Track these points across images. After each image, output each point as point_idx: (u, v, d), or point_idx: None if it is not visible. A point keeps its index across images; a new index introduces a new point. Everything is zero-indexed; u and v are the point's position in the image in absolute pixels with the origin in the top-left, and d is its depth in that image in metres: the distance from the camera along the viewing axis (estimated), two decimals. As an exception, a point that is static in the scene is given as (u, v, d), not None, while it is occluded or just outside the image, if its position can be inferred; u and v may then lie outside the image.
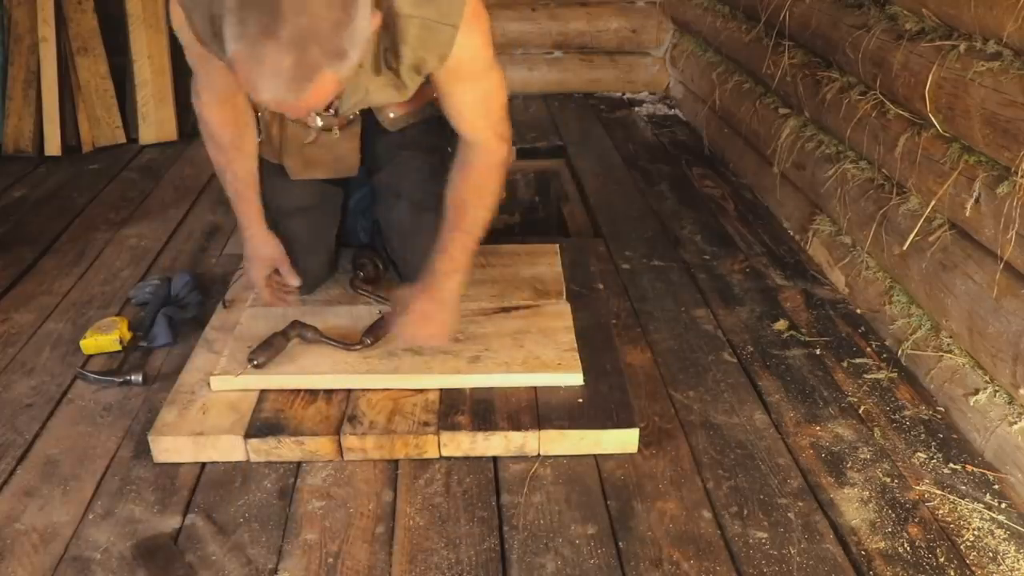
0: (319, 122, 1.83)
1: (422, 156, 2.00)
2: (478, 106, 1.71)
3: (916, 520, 1.52)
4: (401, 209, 2.02)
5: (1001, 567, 1.42)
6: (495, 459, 1.67)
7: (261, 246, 1.94)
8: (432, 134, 1.99)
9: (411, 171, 2.01)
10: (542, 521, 1.52)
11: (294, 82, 1.26)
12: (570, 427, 1.67)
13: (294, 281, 1.96)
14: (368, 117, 1.95)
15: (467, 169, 1.76)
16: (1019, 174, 1.53)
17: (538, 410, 1.72)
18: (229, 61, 1.27)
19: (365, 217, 2.20)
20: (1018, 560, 1.43)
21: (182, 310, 2.13)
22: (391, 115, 1.95)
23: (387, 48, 1.55)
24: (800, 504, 1.56)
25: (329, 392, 1.77)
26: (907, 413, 1.80)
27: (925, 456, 1.67)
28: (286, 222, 1.98)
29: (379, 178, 2.05)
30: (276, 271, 1.96)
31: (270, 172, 1.95)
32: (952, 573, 1.41)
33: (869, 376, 1.92)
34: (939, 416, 1.79)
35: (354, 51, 1.30)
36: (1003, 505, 1.55)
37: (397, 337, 1.82)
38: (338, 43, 1.27)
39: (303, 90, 1.27)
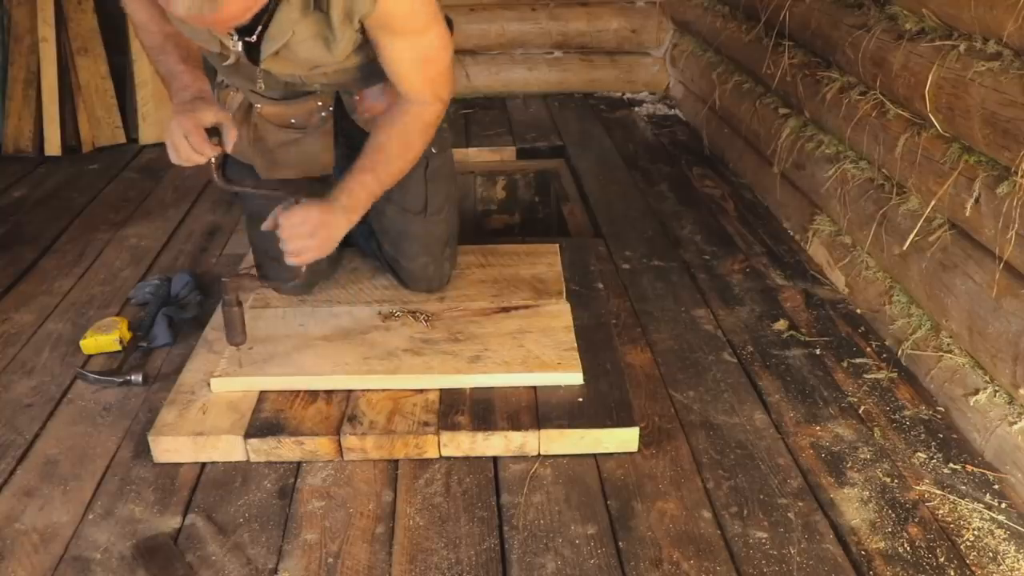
0: (239, 47, 1.61)
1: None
2: (415, 63, 1.67)
3: (916, 520, 1.52)
4: (390, 213, 2.01)
5: (1001, 567, 1.42)
6: (495, 459, 1.67)
7: (191, 86, 1.69)
8: None
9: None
10: (542, 521, 1.52)
11: None
12: (570, 426, 1.67)
13: (229, 143, 1.69)
14: (347, 119, 1.93)
15: (396, 117, 1.72)
16: (1019, 174, 1.53)
17: (538, 410, 1.72)
18: None
19: (362, 222, 2.19)
20: (1018, 560, 1.43)
21: (182, 310, 2.13)
22: (365, 116, 1.92)
23: None
24: (800, 504, 1.56)
25: (329, 392, 1.77)
26: (907, 413, 1.80)
27: (925, 456, 1.67)
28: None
29: None
30: (216, 136, 1.69)
31: (250, 175, 1.94)
32: (952, 573, 1.41)
33: (869, 376, 1.92)
34: (939, 416, 1.79)
35: None
36: (1003, 505, 1.55)
37: (284, 217, 1.66)
38: None
39: (217, 1, 1.24)
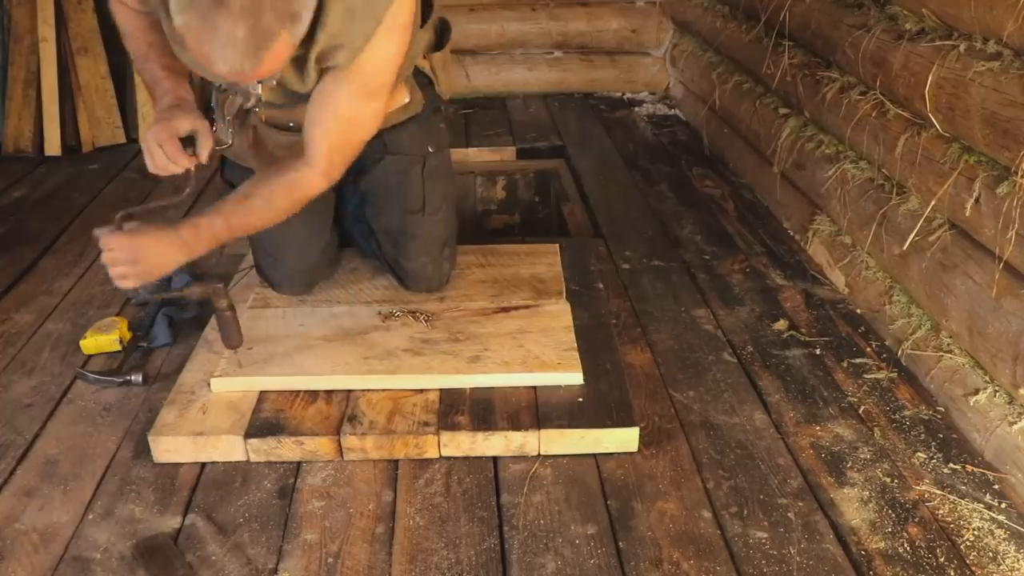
0: (259, 89, 1.61)
1: (406, 160, 1.99)
2: (338, 120, 1.64)
3: (916, 520, 1.52)
4: (389, 214, 2.02)
5: (1001, 567, 1.42)
6: (495, 459, 1.67)
7: (170, 92, 1.67)
8: (415, 138, 1.98)
9: (396, 175, 2.00)
10: (542, 521, 1.52)
11: (250, 51, 1.22)
12: (570, 426, 1.67)
13: (204, 153, 1.65)
14: None
15: (276, 175, 1.68)
16: (1019, 174, 1.53)
17: (538, 410, 1.72)
18: (176, 35, 1.23)
19: (361, 223, 2.20)
20: (1018, 560, 1.43)
21: (182, 310, 2.13)
22: None
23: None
24: (800, 504, 1.56)
25: (329, 392, 1.77)
26: (907, 413, 1.80)
27: (925, 456, 1.67)
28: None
29: (366, 183, 2.04)
30: (189, 144, 1.65)
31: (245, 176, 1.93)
32: (952, 573, 1.41)
33: (869, 376, 1.92)
34: (939, 416, 1.79)
35: (306, 12, 1.28)
36: (1003, 505, 1.55)
37: (106, 239, 1.57)
38: (290, 5, 1.24)
39: (260, 59, 1.25)
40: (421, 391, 1.77)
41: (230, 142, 1.79)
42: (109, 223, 1.60)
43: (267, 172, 1.70)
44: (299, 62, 1.58)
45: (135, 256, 1.57)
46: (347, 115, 1.64)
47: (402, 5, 1.54)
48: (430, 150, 1.98)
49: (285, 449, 1.66)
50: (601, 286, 2.22)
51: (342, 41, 1.52)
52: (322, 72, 1.60)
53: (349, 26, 1.50)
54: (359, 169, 2.03)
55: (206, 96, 2.99)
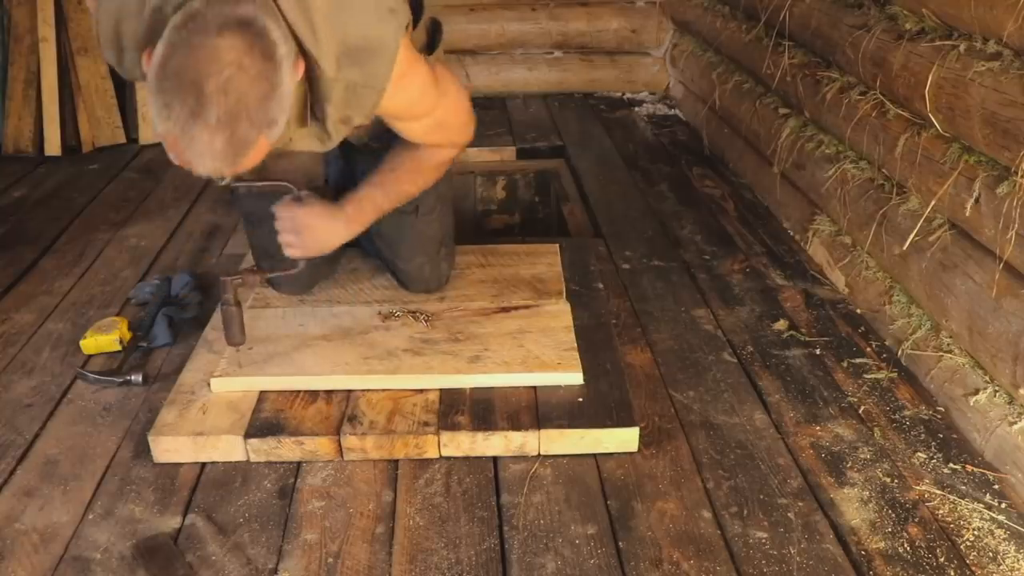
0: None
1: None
2: (427, 133, 1.72)
3: (916, 520, 1.52)
4: (385, 216, 2.01)
5: (1001, 567, 1.42)
6: (495, 459, 1.67)
7: None
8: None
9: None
10: (542, 521, 1.52)
11: (228, 158, 1.26)
12: (570, 426, 1.67)
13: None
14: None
15: (413, 151, 1.76)
16: (1019, 174, 1.53)
17: (538, 410, 1.72)
18: (160, 136, 1.26)
19: None
20: (1018, 560, 1.43)
21: (182, 310, 2.13)
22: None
23: (314, 102, 1.52)
24: (800, 504, 1.56)
25: (329, 392, 1.77)
26: (907, 413, 1.80)
27: (925, 456, 1.67)
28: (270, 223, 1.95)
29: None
30: None
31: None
32: (952, 573, 1.41)
33: (869, 376, 1.92)
34: (939, 416, 1.79)
35: (283, 115, 1.30)
36: (1003, 505, 1.55)
37: (283, 209, 1.76)
38: (266, 114, 1.27)
39: (238, 164, 1.29)
40: (421, 391, 1.77)
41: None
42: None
43: (403, 146, 1.77)
44: (316, 132, 1.58)
45: (299, 227, 1.75)
46: (431, 127, 1.70)
47: (400, 62, 1.52)
48: None
49: (285, 449, 1.66)
50: (601, 286, 2.22)
51: (353, 111, 1.54)
52: (351, 127, 1.61)
53: (353, 99, 1.51)
54: (354, 170, 2.03)
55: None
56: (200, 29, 1.22)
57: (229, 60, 1.22)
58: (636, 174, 3.10)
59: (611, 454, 1.67)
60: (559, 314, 2.00)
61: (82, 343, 2.00)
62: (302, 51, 1.40)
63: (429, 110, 1.66)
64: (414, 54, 1.58)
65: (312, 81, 1.47)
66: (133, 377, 1.89)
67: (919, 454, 1.68)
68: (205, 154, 1.25)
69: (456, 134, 1.78)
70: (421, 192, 1.86)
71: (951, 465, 1.65)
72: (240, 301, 1.76)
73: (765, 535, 1.49)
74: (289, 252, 1.78)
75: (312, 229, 1.76)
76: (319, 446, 1.66)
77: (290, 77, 1.30)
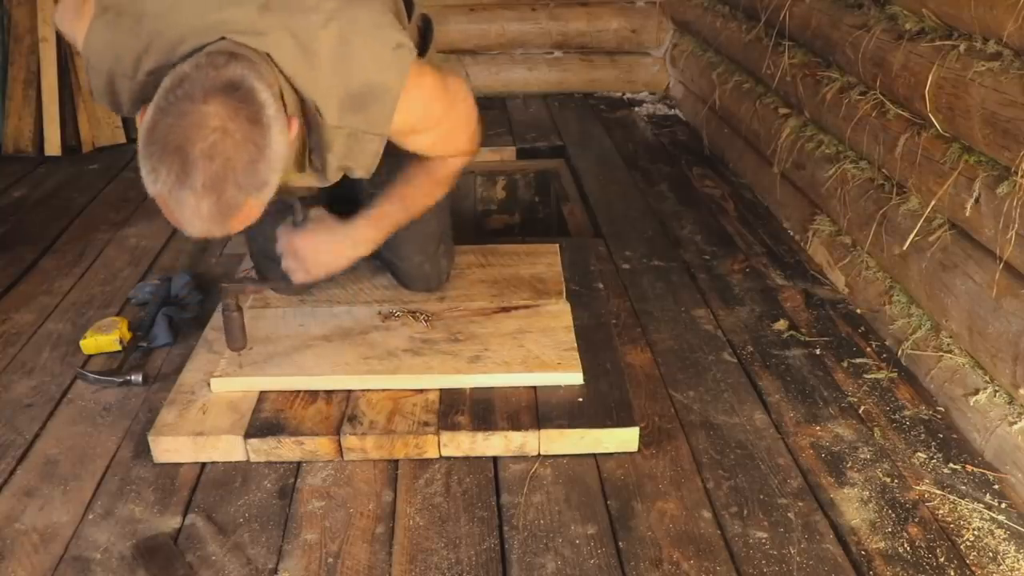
0: None
1: (399, 164, 1.99)
2: (436, 145, 1.71)
3: (916, 520, 1.52)
4: None
5: (1001, 567, 1.42)
6: (495, 459, 1.67)
7: None
8: None
9: (385, 175, 1.99)
10: (542, 521, 1.52)
11: (216, 221, 1.27)
12: (570, 426, 1.67)
13: None
14: None
15: (425, 164, 1.76)
16: (1019, 174, 1.53)
17: (538, 410, 1.72)
18: (151, 197, 1.27)
19: None
20: (1018, 560, 1.43)
21: (182, 310, 2.13)
22: None
23: (312, 150, 1.52)
24: (800, 504, 1.56)
25: (329, 392, 1.77)
26: (907, 413, 1.80)
27: (925, 456, 1.67)
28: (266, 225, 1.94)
29: (358, 183, 2.02)
30: None
31: None
32: (952, 573, 1.41)
33: (869, 376, 1.92)
34: (939, 416, 1.79)
35: (274, 176, 1.30)
36: (1003, 505, 1.55)
37: (283, 236, 1.75)
38: (255, 178, 1.26)
39: (227, 225, 1.29)
40: (421, 391, 1.77)
41: None
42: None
43: (415, 161, 1.76)
44: (315, 175, 1.58)
45: (302, 255, 1.74)
46: (439, 138, 1.69)
47: (402, 100, 1.50)
48: None
49: (285, 449, 1.66)
50: (601, 286, 2.22)
51: (354, 161, 1.54)
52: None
53: (356, 146, 1.51)
54: (354, 178, 2.03)
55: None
56: (187, 95, 1.23)
57: (214, 126, 1.22)
58: (636, 174, 3.10)
59: (611, 454, 1.67)
60: (559, 314, 2.00)
61: (82, 343, 2.00)
62: (302, 100, 1.40)
63: (439, 119, 1.65)
64: (419, 66, 1.55)
65: (312, 129, 1.46)
66: (133, 377, 1.89)
67: (919, 454, 1.68)
68: (194, 218, 1.26)
69: (465, 143, 1.77)
70: (434, 204, 1.84)
71: (951, 465, 1.65)
72: (241, 306, 1.76)
73: (765, 535, 1.49)
74: (294, 279, 1.77)
75: (316, 254, 1.75)
76: (319, 446, 1.66)
77: (282, 137, 1.30)
